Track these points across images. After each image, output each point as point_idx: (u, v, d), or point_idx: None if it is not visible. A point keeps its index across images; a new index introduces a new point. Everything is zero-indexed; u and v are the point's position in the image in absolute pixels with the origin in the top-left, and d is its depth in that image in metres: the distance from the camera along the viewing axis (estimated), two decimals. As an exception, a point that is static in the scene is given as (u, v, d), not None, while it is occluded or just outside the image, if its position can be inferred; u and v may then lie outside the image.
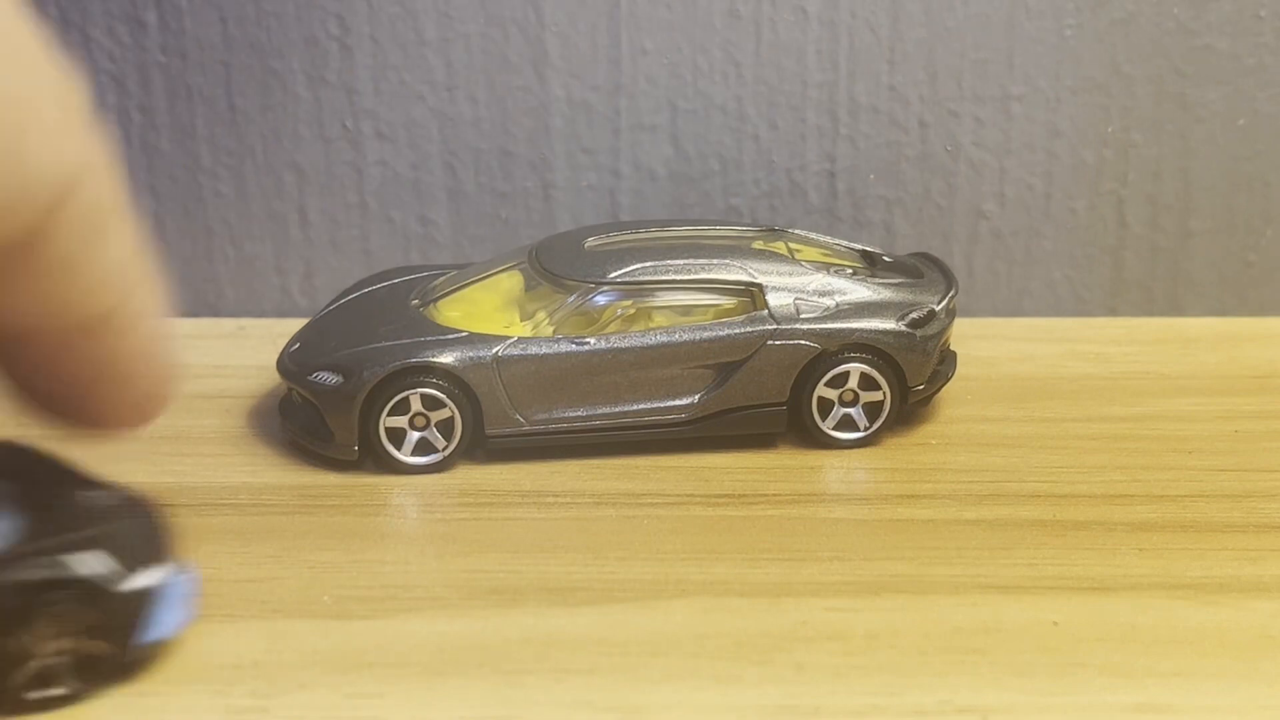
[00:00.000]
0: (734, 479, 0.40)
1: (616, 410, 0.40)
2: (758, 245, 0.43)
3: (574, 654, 0.31)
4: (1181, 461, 0.41)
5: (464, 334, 0.40)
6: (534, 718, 0.29)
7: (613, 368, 0.40)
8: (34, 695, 0.28)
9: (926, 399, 0.43)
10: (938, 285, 0.43)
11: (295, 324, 0.45)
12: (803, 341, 0.41)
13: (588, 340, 0.40)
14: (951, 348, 0.44)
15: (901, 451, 0.42)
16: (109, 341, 0.27)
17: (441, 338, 0.40)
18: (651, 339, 0.40)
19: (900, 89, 0.53)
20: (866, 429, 0.41)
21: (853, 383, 0.41)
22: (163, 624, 0.30)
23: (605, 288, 0.41)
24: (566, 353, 0.40)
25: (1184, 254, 0.55)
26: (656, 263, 0.41)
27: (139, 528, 0.30)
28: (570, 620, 0.32)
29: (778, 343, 0.40)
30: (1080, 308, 0.55)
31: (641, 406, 0.40)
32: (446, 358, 0.39)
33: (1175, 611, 0.32)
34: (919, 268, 0.45)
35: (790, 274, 0.41)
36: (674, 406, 0.41)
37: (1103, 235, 0.54)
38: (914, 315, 0.41)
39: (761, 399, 0.41)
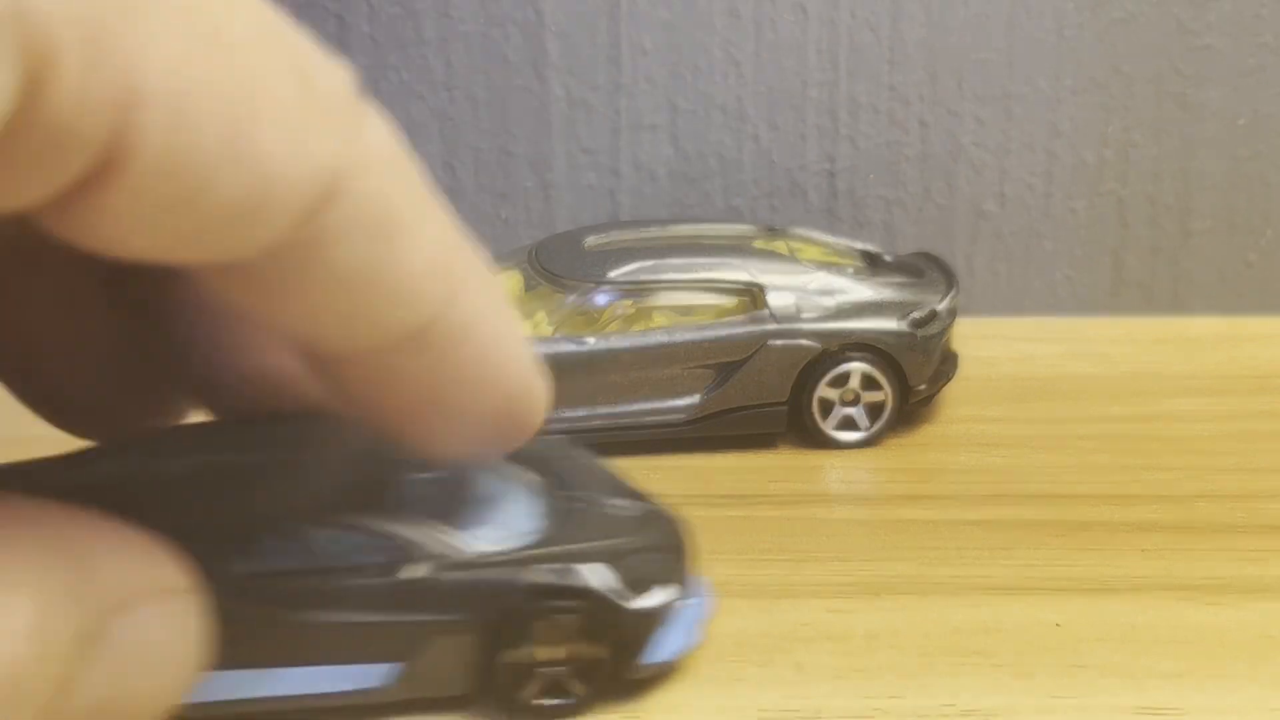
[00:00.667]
0: (734, 479, 0.40)
1: (616, 410, 0.40)
2: (758, 244, 0.43)
3: (574, 655, 0.31)
4: (1183, 462, 0.41)
5: None
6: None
7: (613, 367, 0.40)
8: (537, 701, 0.28)
9: (928, 399, 0.43)
10: (939, 285, 0.43)
11: (294, 324, 0.45)
12: (803, 341, 0.40)
13: (587, 340, 0.40)
14: (952, 348, 0.44)
15: (902, 452, 0.42)
16: (438, 355, 0.24)
17: None
18: (651, 339, 0.40)
19: (900, 89, 0.53)
20: (868, 429, 0.41)
21: (854, 383, 0.41)
22: (666, 647, 0.29)
23: (605, 287, 0.41)
24: (566, 352, 0.40)
25: (1184, 253, 0.55)
26: (656, 262, 0.41)
27: (658, 543, 0.29)
28: (570, 621, 0.32)
29: (778, 342, 0.40)
30: (1081, 307, 0.55)
31: (641, 406, 0.40)
32: None
33: (1177, 612, 0.32)
34: (920, 267, 0.44)
35: (791, 273, 0.41)
36: (674, 407, 0.40)
37: (1103, 235, 0.54)
38: (915, 315, 0.41)
39: (762, 399, 0.41)
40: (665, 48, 0.52)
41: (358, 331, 0.23)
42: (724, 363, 0.40)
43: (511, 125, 0.52)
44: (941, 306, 0.42)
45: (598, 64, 0.52)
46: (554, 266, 0.42)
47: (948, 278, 0.44)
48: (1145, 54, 0.52)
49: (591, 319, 0.40)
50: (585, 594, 0.28)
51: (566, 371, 0.40)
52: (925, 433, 0.43)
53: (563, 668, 0.28)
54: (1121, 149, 0.53)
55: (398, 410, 0.26)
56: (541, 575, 0.27)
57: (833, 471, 0.41)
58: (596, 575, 0.28)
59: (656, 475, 0.40)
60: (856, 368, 0.41)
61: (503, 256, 0.45)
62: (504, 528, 0.28)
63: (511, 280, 0.43)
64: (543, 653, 0.28)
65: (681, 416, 0.41)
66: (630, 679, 0.28)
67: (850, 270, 0.42)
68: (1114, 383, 0.48)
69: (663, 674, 0.29)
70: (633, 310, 0.41)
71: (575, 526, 0.29)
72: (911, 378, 0.41)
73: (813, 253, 0.43)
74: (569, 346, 0.40)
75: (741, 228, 0.45)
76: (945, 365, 0.43)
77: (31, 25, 0.16)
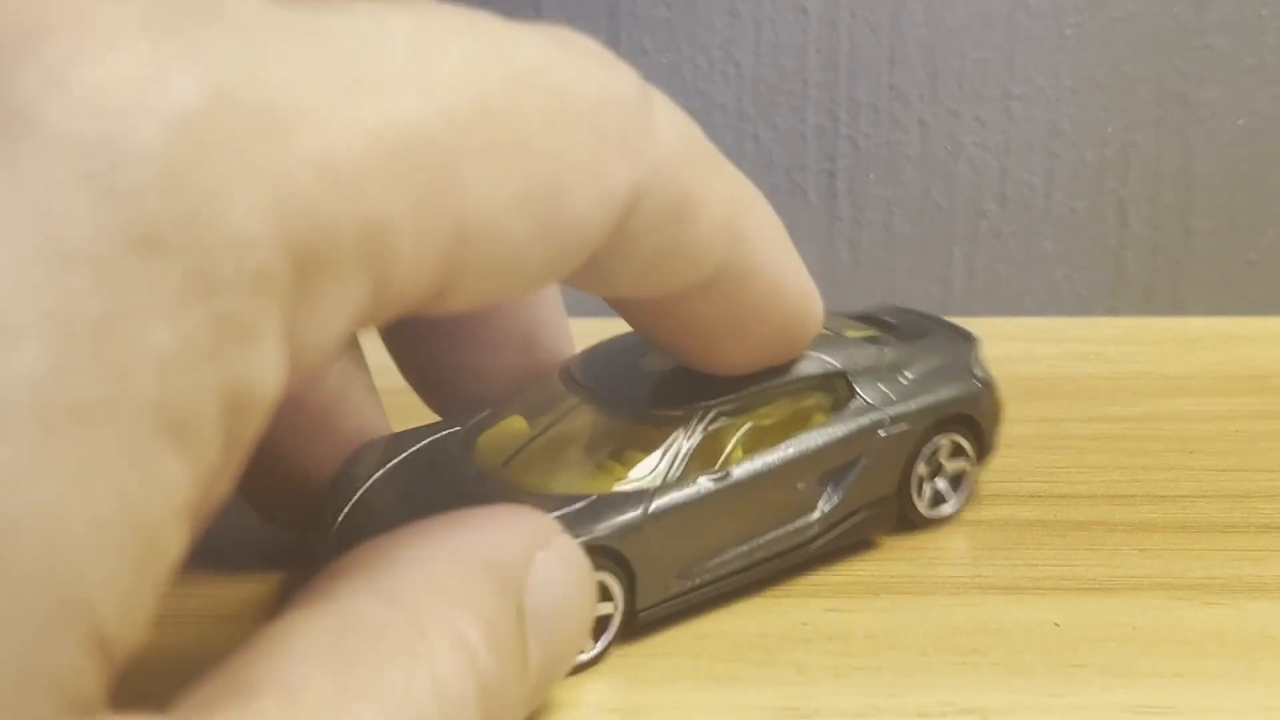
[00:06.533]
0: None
1: (749, 547, 0.34)
2: None
3: (574, 654, 0.31)
4: (1182, 461, 0.41)
5: (592, 498, 0.32)
6: (534, 717, 0.29)
7: (745, 499, 0.33)
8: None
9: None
10: (948, 332, 0.39)
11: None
12: (908, 425, 0.35)
13: (728, 472, 0.33)
14: None
15: (902, 451, 0.42)
16: (720, 298, 0.27)
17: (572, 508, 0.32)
18: (776, 458, 0.34)
19: (900, 88, 0.53)
20: (954, 500, 0.37)
21: (940, 455, 0.36)
22: None
23: (713, 412, 0.33)
24: (703, 494, 0.33)
25: (1185, 253, 0.55)
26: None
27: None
28: (570, 621, 0.32)
29: (887, 432, 0.35)
30: (1081, 307, 0.55)
31: (772, 535, 0.34)
32: (597, 531, 0.31)
33: (1176, 612, 0.32)
34: (919, 321, 0.40)
35: (859, 354, 0.36)
36: (800, 527, 0.34)
37: (1103, 235, 0.54)
38: (978, 370, 0.37)
39: (872, 497, 0.35)
40: (665, 48, 0.52)
41: (650, 289, 0.26)
42: (840, 466, 0.35)
43: (512, 125, 0.52)
44: (980, 356, 0.38)
45: (598, 64, 0.52)
46: (646, 398, 0.34)
47: (944, 324, 0.40)
48: (1146, 53, 0.52)
49: (707, 451, 0.33)
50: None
51: (710, 514, 0.33)
52: (925, 432, 0.43)
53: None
54: (1122, 149, 0.53)
55: (687, 339, 0.30)
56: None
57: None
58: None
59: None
60: (946, 439, 0.36)
61: (529, 395, 0.36)
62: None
63: (576, 422, 0.35)
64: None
65: (807, 536, 0.34)
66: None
67: (891, 339, 0.38)
68: (1114, 383, 0.48)
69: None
70: (747, 429, 0.34)
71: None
72: (988, 435, 0.37)
73: (847, 328, 0.38)
74: (711, 485, 0.33)
75: None
76: None
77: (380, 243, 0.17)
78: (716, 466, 0.33)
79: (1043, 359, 0.50)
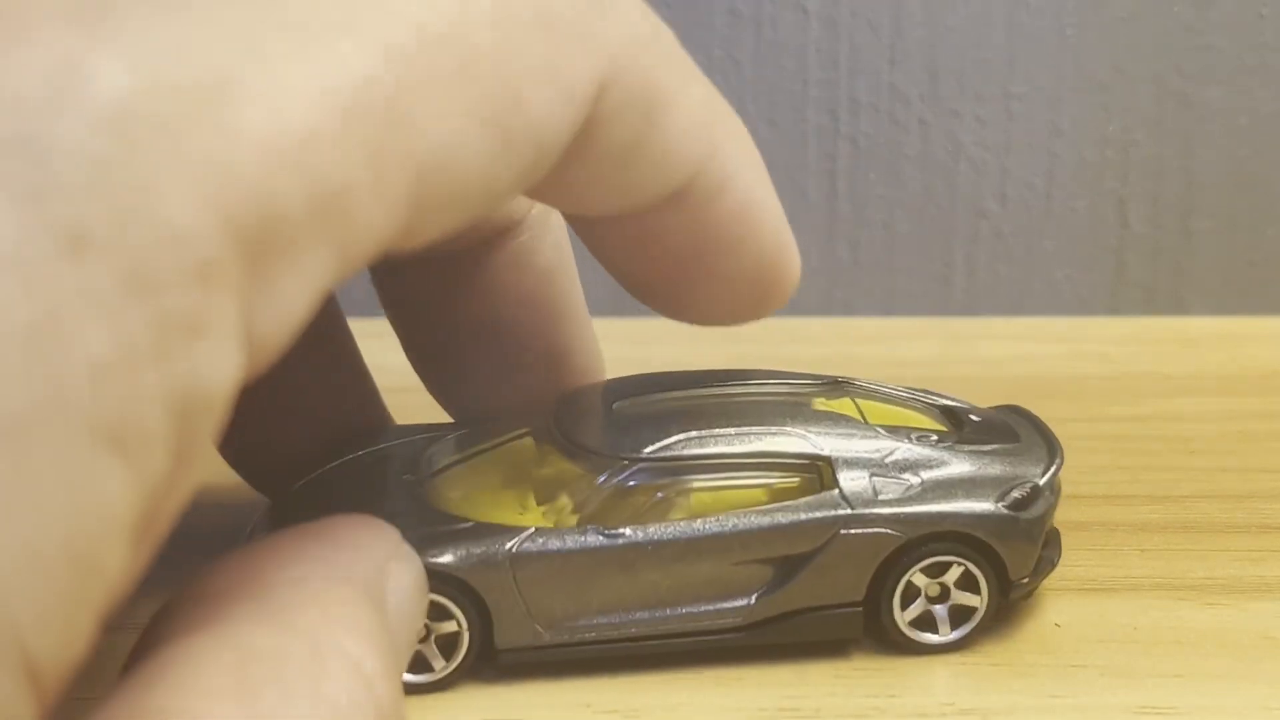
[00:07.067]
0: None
1: (656, 615, 0.31)
2: (820, 405, 0.34)
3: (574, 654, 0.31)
4: (1183, 462, 0.41)
5: (469, 524, 0.31)
6: (534, 718, 0.29)
7: (653, 564, 0.31)
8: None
9: (1028, 594, 0.34)
10: (1038, 451, 0.35)
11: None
12: (882, 530, 0.32)
13: (623, 531, 0.31)
14: (1054, 525, 0.35)
15: (902, 451, 0.42)
16: (695, 211, 0.25)
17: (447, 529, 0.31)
18: (700, 528, 0.31)
19: (901, 87, 0.53)
20: (948, 635, 0.32)
21: (943, 576, 0.32)
22: None
23: (643, 464, 0.31)
24: (597, 547, 0.31)
25: (1186, 253, 0.55)
26: (702, 432, 0.32)
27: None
28: (569, 621, 0.32)
29: (852, 531, 0.32)
30: (1082, 307, 0.55)
31: (688, 610, 0.32)
32: (448, 556, 0.30)
33: (1177, 612, 0.32)
34: (1013, 427, 0.36)
35: (863, 443, 0.33)
36: (726, 610, 0.32)
37: (1104, 234, 0.54)
38: (1016, 494, 0.33)
39: (832, 599, 0.32)
40: (665, 47, 0.52)
41: (621, 197, 0.24)
42: (786, 556, 0.32)
43: (512, 125, 0.52)
44: (1044, 481, 0.33)
45: (598, 63, 0.52)
46: (578, 435, 0.33)
47: (1048, 442, 0.35)
48: (1146, 53, 0.52)
49: (626, 504, 0.32)
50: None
51: (596, 570, 0.31)
52: (925, 432, 0.43)
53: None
54: (1123, 148, 0.53)
55: (657, 270, 0.28)
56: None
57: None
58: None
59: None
60: (945, 560, 0.32)
61: (512, 416, 0.35)
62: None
63: (524, 450, 0.34)
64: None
65: (738, 619, 0.32)
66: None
67: (933, 437, 0.34)
68: (1114, 383, 0.48)
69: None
70: (674, 493, 0.32)
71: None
72: (1012, 570, 0.32)
73: (885, 413, 0.35)
74: (599, 540, 0.31)
75: (798, 381, 0.35)
76: (1048, 549, 0.34)
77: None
78: (618, 523, 0.30)
79: (1043, 359, 0.50)
